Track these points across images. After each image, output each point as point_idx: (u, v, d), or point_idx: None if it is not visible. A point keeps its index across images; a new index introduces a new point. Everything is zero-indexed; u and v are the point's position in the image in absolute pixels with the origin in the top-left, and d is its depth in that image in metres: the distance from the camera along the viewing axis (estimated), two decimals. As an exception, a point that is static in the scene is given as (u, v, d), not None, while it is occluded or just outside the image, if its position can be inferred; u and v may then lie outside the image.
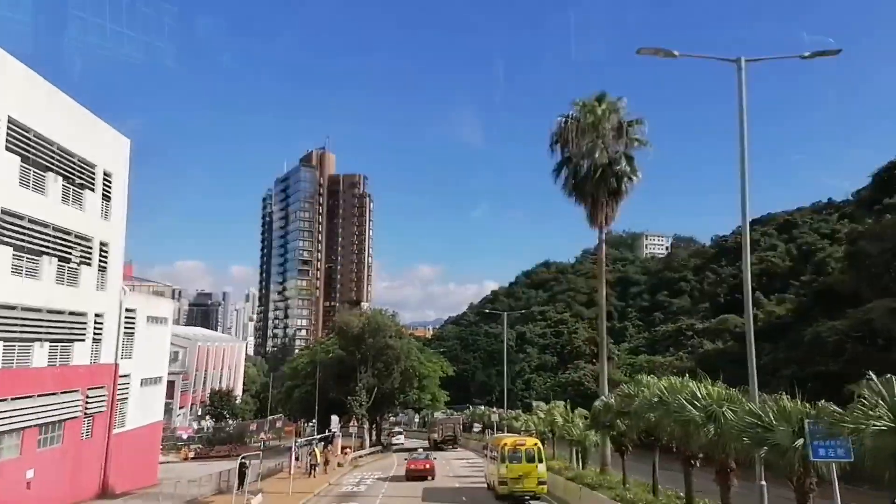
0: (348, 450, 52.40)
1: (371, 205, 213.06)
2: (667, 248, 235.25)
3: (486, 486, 32.23)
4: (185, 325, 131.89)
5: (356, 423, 57.04)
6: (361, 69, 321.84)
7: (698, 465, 17.71)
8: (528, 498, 27.15)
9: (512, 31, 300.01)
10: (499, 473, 27.96)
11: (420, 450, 48.73)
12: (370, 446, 63.77)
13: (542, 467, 27.53)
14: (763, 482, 14.55)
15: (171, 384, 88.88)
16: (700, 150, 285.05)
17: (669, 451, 19.94)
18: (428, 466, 38.36)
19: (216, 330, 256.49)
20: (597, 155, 31.43)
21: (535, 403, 63.00)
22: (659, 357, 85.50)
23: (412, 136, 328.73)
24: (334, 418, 54.90)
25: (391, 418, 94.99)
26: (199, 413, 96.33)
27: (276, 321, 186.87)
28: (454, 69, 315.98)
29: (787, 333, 57.19)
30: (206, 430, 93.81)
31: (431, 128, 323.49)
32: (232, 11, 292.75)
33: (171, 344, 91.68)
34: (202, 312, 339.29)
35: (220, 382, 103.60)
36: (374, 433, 73.66)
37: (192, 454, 70.75)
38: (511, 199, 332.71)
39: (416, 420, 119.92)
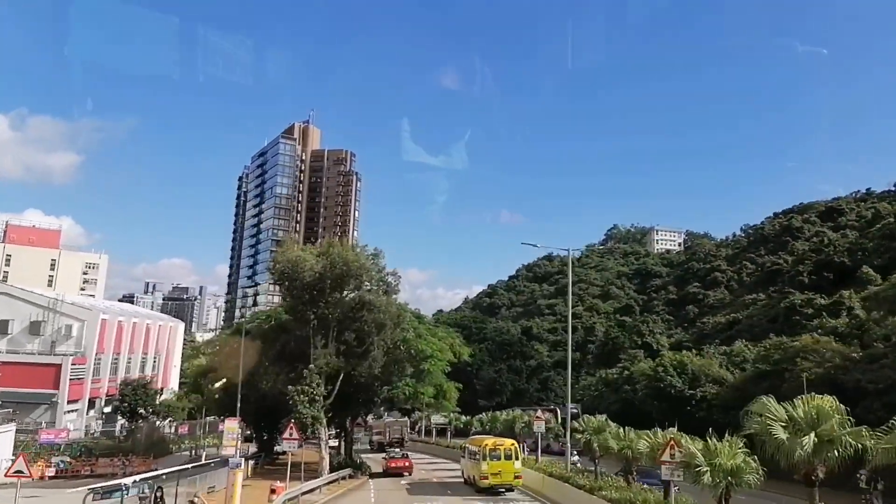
0: (278, 489, 26.30)
1: (359, 184, 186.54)
2: (679, 244, 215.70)
3: (462, 480, 35.78)
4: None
5: (297, 431, 29.26)
6: (354, 55, 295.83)
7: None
8: (503, 490, 30.81)
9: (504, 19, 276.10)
10: (480, 469, 31.15)
11: (397, 449, 49.58)
12: (332, 469, 37.63)
13: (517, 464, 31.24)
14: None
15: (54, 369, 62.14)
16: (708, 146, 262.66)
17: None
18: (406, 464, 41.92)
19: (190, 327, 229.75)
20: None
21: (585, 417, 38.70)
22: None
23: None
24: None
25: (384, 419, 68.33)
26: (107, 410, 69.36)
27: (244, 308, 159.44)
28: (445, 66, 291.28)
29: None
30: (119, 431, 67.20)
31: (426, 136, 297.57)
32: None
33: (60, 315, 66.47)
34: (177, 307, 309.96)
35: (145, 371, 76.50)
36: (343, 445, 47.47)
37: (51, 471, 44.48)
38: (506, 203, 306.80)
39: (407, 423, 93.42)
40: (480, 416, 58.62)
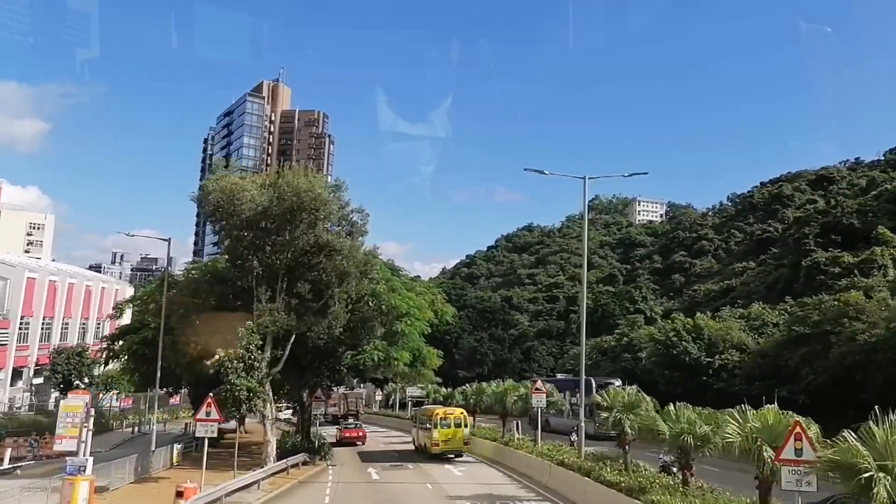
0: (186, 490, 17.92)
1: (332, 147, 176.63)
2: (662, 215, 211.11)
3: (413, 448, 37.85)
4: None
5: (217, 409, 21.11)
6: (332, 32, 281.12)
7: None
8: (452, 455, 32.73)
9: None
10: (432, 437, 32.99)
11: (351, 420, 50.41)
12: (283, 454, 29.80)
13: (466, 431, 33.45)
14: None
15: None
16: (693, 122, 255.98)
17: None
18: (360, 434, 44.54)
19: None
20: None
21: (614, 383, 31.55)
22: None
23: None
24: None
25: (339, 392, 61.12)
26: (38, 381, 60.51)
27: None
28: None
29: None
30: (53, 405, 58.40)
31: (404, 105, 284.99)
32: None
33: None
34: (145, 278, 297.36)
35: (86, 338, 67.53)
36: (301, 423, 39.55)
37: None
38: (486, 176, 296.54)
39: (378, 397, 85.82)
40: (463, 388, 51.21)
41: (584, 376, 25.63)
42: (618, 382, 36.08)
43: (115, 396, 61.62)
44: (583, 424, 25.40)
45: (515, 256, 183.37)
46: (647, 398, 21.27)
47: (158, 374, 30.46)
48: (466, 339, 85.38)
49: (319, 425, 44.30)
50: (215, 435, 21.55)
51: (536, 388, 30.68)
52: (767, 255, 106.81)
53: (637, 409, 20.95)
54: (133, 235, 36.90)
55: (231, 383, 23.95)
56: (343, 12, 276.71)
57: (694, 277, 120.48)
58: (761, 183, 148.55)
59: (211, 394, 22.13)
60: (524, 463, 27.97)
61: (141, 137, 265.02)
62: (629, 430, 20.80)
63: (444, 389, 61.88)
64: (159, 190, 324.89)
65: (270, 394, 28.36)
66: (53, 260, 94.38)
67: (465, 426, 33.43)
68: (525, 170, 24.98)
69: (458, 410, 34.87)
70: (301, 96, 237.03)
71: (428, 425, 34.25)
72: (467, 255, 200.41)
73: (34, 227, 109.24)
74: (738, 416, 14.55)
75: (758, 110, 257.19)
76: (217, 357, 24.19)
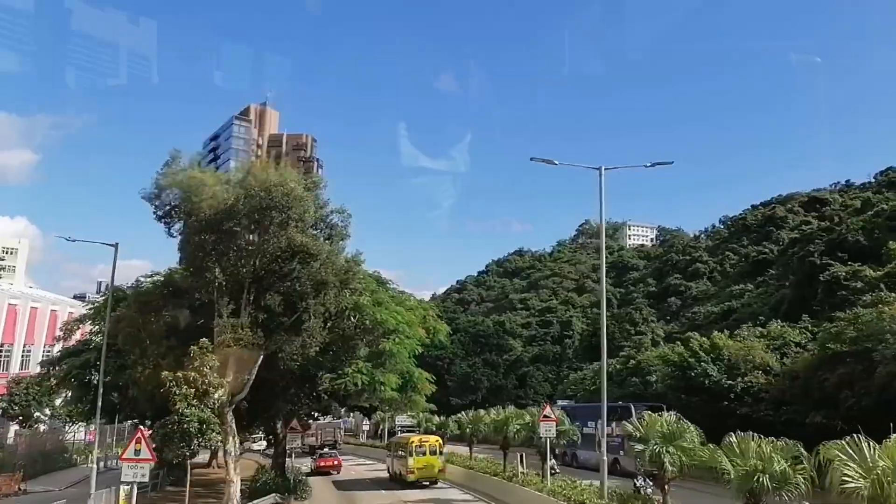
0: None
1: (321, 171, 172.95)
2: (652, 239, 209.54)
3: (388, 476, 37.28)
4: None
5: (147, 446, 16.79)
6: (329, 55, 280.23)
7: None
8: (427, 483, 32.80)
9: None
10: (407, 465, 33.10)
11: (327, 449, 51.07)
12: (252, 495, 25.20)
13: (441, 459, 33.41)
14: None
15: None
16: (679, 142, 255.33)
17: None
18: (335, 462, 44.02)
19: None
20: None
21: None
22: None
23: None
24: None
25: (320, 421, 56.30)
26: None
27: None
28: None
29: None
30: (12, 439, 52.94)
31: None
32: None
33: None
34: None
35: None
36: (275, 457, 34.87)
37: None
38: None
39: (366, 427, 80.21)
40: (459, 416, 46.68)
41: (605, 401, 21.41)
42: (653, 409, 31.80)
43: (80, 428, 56.31)
44: (604, 458, 21.10)
45: (507, 281, 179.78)
46: (692, 426, 17.07)
47: (99, 403, 25.77)
48: (459, 364, 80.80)
49: (296, 457, 39.77)
50: (146, 479, 17.01)
51: (545, 416, 26.28)
52: (766, 275, 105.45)
53: (679, 440, 16.75)
54: (74, 241, 33.40)
55: (180, 413, 19.49)
56: (330, 38, 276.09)
57: (690, 300, 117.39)
58: (752, 206, 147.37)
59: (142, 427, 17.66)
60: (530, 502, 23.63)
61: (129, 165, 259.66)
62: (670, 467, 16.56)
63: (436, 418, 57.10)
64: (144, 218, 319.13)
65: (233, 425, 23.80)
66: (31, 287, 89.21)
67: (441, 454, 33.64)
68: (532, 159, 20.50)
69: (434, 438, 35.39)
70: (289, 122, 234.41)
71: (402, 453, 34.64)
72: (458, 281, 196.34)
73: (6, 252, 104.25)
74: (849, 451, 10.40)
75: (744, 135, 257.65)
76: (164, 381, 19.73)
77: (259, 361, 24.58)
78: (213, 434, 20.59)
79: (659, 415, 17.75)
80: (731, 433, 14.54)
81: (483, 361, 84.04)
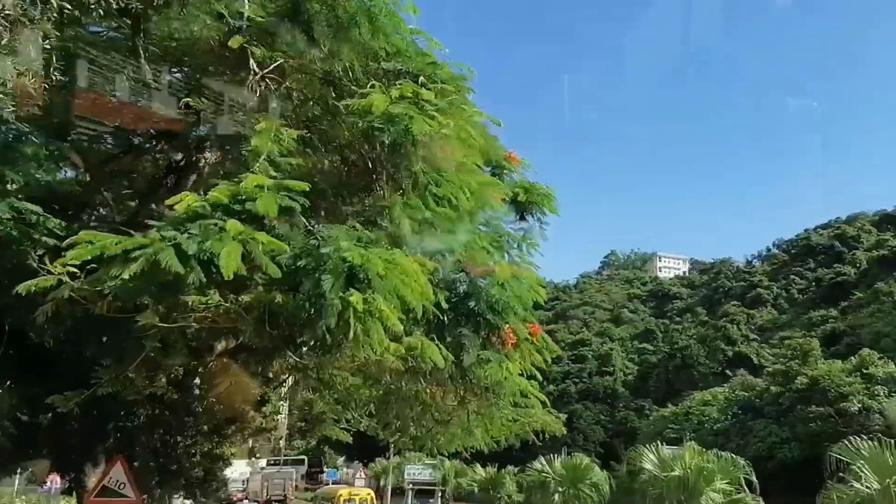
0: None
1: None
2: (685, 271, 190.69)
3: None
4: None
5: None
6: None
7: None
8: None
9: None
10: None
11: None
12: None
13: None
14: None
15: None
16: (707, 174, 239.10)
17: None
18: None
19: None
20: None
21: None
22: None
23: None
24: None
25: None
26: None
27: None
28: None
29: None
30: None
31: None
32: None
33: None
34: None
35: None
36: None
37: None
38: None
39: (361, 479, 59.92)
40: (509, 469, 28.10)
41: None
42: None
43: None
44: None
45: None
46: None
47: None
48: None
49: None
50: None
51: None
52: (849, 301, 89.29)
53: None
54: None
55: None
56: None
57: (758, 331, 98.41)
58: (814, 227, 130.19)
59: None
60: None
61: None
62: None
63: (480, 469, 38.19)
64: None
65: None
66: None
67: None
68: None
69: (366, 490, 32.79)
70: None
71: None
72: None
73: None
74: None
75: (776, 168, 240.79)
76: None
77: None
78: None
79: None
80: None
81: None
